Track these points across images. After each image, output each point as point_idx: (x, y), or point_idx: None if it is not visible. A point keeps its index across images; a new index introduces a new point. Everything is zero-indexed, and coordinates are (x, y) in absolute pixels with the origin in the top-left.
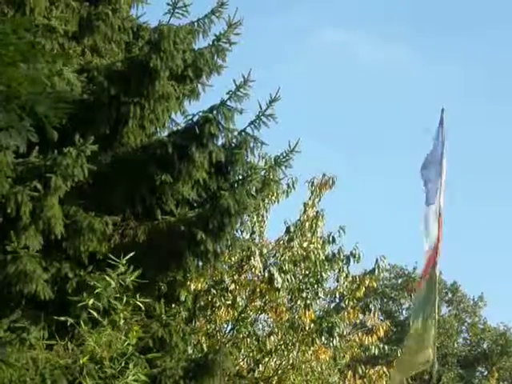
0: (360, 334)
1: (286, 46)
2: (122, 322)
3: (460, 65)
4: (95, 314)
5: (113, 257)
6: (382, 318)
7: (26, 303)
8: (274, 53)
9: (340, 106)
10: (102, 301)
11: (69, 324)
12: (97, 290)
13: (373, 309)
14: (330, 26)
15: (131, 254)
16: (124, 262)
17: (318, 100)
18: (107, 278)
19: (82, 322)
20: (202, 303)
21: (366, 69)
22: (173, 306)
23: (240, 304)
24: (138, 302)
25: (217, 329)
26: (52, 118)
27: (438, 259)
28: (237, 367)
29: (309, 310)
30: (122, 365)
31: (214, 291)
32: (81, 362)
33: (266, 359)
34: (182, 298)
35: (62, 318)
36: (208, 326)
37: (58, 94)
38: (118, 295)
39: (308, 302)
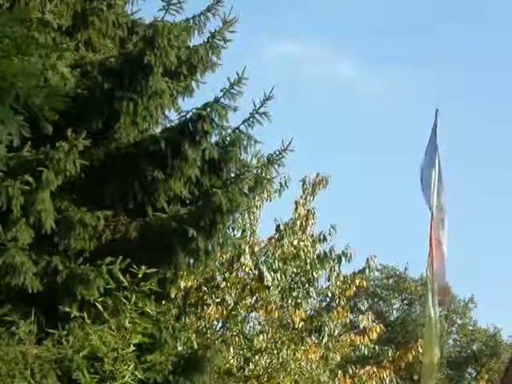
0: (352, 334)
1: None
2: (128, 324)
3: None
4: (101, 308)
5: (104, 253)
6: (372, 318)
7: (16, 297)
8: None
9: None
10: (93, 295)
11: (72, 316)
12: (108, 286)
13: (363, 309)
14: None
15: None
16: (143, 269)
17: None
18: (121, 278)
19: (85, 316)
20: (193, 300)
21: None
22: (163, 302)
23: (230, 302)
24: (148, 309)
25: (207, 326)
26: (47, 112)
27: (429, 260)
28: (227, 365)
29: (299, 309)
30: (122, 365)
31: (205, 289)
32: (80, 355)
33: (257, 357)
34: (173, 295)
35: (67, 309)
36: (198, 324)
37: (53, 87)
38: (117, 293)
39: (299, 300)
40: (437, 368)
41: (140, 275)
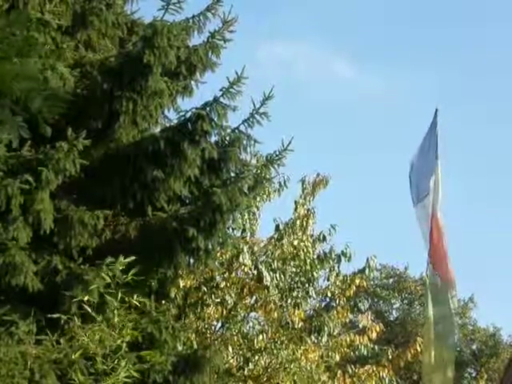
0: (352, 334)
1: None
2: (117, 319)
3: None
4: (89, 309)
5: (104, 252)
6: (372, 318)
7: (16, 297)
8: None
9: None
10: (93, 295)
11: (62, 321)
12: (92, 286)
13: (363, 309)
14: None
15: None
16: (122, 260)
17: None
18: (103, 275)
19: (74, 317)
20: (192, 300)
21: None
22: (163, 302)
23: (229, 302)
24: (135, 301)
25: (206, 326)
26: (45, 114)
27: (429, 260)
28: (226, 365)
29: (298, 309)
30: (115, 362)
31: (205, 288)
32: (73, 356)
33: (256, 357)
34: (172, 295)
35: (55, 316)
36: (198, 323)
37: (52, 90)
38: (114, 291)
39: (298, 300)
40: (452, 366)
41: (120, 268)
